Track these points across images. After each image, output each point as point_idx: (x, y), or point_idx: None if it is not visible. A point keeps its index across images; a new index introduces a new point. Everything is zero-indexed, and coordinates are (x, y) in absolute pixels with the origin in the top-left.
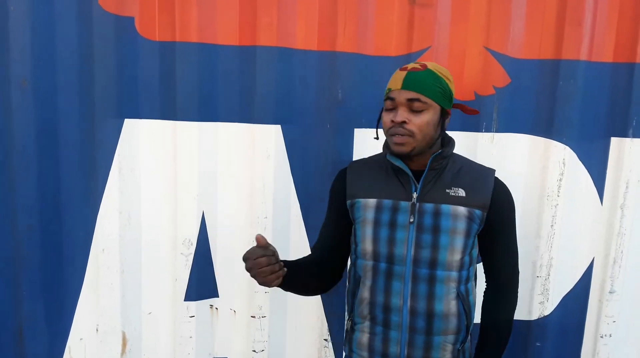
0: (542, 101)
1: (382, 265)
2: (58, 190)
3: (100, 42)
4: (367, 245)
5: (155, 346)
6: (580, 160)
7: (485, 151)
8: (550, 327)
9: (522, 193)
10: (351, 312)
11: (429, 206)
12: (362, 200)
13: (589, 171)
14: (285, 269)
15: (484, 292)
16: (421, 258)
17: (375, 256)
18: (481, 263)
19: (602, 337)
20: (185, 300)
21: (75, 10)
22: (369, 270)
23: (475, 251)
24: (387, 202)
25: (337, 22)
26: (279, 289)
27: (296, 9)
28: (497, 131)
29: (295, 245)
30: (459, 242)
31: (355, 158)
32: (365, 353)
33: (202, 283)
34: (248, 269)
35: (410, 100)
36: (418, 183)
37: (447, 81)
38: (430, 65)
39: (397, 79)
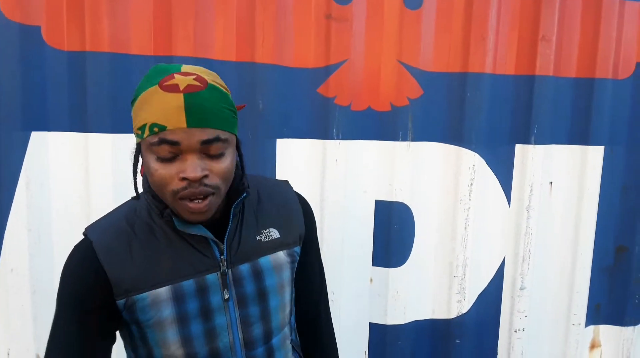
0: (452, 111)
1: None
2: None
3: (5, 52)
4: (175, 350)
5: None
6: (489, 166)
7: (402, 159)
8: (468, 324)
9: (437, 198)
10: None
11: (244, 269)
12: (147, 293)
13: (496, 176)
14: None
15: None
16: (254, 338)
17: None
18: None
19: (515, 331)
20: None
21: None
22: None
23: None
24: (188, 284)
25: (256, 35)
26: None
27: (214, 20)
28: (412, 140)
29: None
30: (287, 295)
31: (278, 167)
32: None
33: None
34: None
35: (207, 142)
36: (222, 241)
37: (229, 94)
38: (207, 76)
39: (168, 108)
